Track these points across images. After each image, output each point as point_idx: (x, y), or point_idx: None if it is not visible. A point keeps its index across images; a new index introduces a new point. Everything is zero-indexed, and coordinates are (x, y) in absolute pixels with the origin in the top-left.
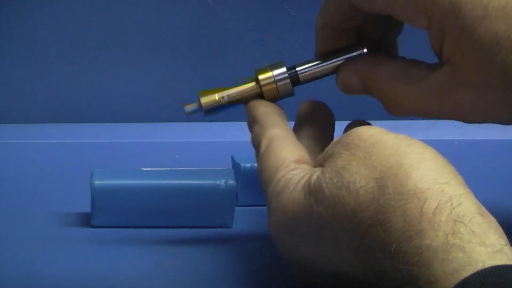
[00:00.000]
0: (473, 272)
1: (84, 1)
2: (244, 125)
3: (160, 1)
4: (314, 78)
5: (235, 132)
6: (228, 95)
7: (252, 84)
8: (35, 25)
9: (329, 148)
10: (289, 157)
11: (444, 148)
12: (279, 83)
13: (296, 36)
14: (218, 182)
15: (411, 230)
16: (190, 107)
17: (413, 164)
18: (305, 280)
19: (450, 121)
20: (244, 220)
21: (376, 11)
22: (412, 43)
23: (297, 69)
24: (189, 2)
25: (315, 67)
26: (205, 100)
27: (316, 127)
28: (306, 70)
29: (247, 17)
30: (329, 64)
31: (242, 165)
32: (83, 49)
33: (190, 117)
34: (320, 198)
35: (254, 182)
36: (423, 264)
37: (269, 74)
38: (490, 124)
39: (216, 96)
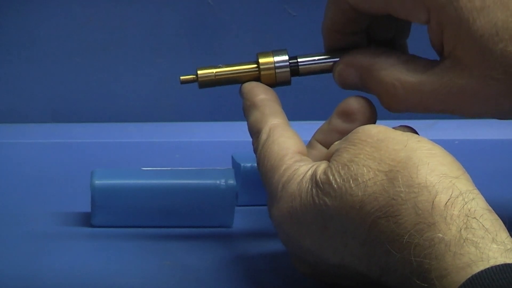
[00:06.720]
0: (484, 268)
1: (84, 1)
2: (244, 125)
3: (160, 1)
4: (314, 72)
5: (235, 132)
6: (225, 72)
7: (252, 66)
8: (35, 25)
9: (334, 145)
10: (292, 148)
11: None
12: (278, 71)
13: (296, 36)
14: (218, 182)
15: (423, 222)
16: (186, 77)
17: (422, 158)
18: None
19: (450, 120)
20: (244, 220)
21: (375, 10)
22: (413, 44)
23: (299, 60)
24: (189, 1)
25: (317, 61)
26: (202, 72)
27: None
28: (308, 62)
29: (247, 17)
30: (331, 60)
31: (242, 165)
32: (83, 49)
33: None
34: (327, 189)
35: (254, 182)
36: (434, 257)
37: (270, 59)
38: (490, 124)
39: (214, 70)
